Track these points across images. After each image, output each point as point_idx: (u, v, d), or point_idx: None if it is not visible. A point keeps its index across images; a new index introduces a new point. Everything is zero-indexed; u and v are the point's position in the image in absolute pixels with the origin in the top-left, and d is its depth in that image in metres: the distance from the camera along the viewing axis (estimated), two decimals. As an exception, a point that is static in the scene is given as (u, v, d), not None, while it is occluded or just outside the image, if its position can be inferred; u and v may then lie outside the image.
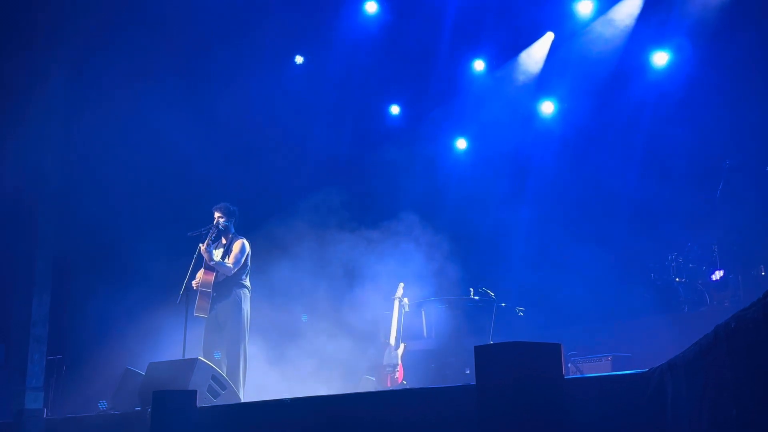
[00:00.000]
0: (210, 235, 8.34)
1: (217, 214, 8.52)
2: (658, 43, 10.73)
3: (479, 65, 12.59)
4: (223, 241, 8.51)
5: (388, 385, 9.15)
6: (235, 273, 8.35)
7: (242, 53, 12.11)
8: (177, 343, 8.14)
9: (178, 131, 11.39)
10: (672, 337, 8.13)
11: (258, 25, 12.12)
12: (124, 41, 11.43)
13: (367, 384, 9.30)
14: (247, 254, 8.50)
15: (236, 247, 8.44)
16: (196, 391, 6.02)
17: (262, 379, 9.10)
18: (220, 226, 8.44)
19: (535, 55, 12.13)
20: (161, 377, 7.16)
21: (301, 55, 13.03)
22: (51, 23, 11.46)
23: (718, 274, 9.16)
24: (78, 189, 11.38)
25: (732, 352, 2.15)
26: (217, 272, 8.31)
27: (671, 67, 10.67)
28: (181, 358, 7.83)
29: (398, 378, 9.22)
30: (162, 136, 11.36)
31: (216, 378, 7.35)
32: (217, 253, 8.37)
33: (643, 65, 10.92)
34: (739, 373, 2.10)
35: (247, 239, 8.59)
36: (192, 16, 11.71)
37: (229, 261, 8.33)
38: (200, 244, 8.26)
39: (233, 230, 8.60)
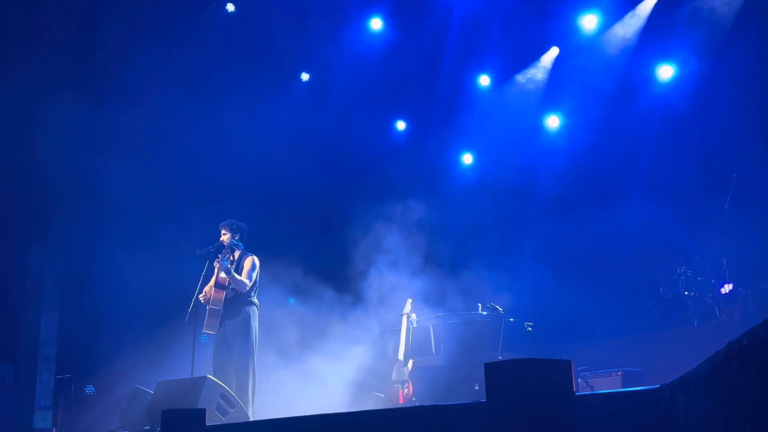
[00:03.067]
0: (224, 253, 8.34)
1: (223, 231, 8.53)
2: (664, 56, 10.73)
3: (484, 80, 12.62)
4: (232, 258, 8.51)
5: (398, 402, 9.11)
6: (245, 291, 8.35)
7: (249, 70, 12.16)
8: (186, 361, 8.13)
9: (187, 148, 11.43)
10: (682, 350, 8.10)
11: (264, 43, 12.18)
12: (134, 54, 11.49)
13: (376, 401, 9.27)
14: (258, 271, 8.51)
15: (247, 263, 8.45)
16: (205, 410, 5.99)
17: (271, 396, 9.08)
18: (231, 244, 8.44)
19: (541, 69, 12.16)
20: (170, 396, 7.16)
21: (307, 72, 13.08)
22: (62, 29, 11.53)
23: (727, 287, 9.12)
24: (87, 208, 11.42)
25: (745, 368, 2.14)
26: (227, 290, 8.30)
27: (677, 80, 10.66)
28: (189, 376, 7.82)
29: (408, 394, 9.18)
30: (171, 153, 11.40)
31: (225, 396, 7.34)
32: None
33: (649, 79, 10.93)
34: (753, 389, 2.09)
35: (257, 256, 8.60)
36: (200, 33, 11.80)
37: (243, 278, 8.33)
38: (214, 262, 8.27)
39: (242, 247, 8.60)
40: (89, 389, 9.20)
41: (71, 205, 11.69)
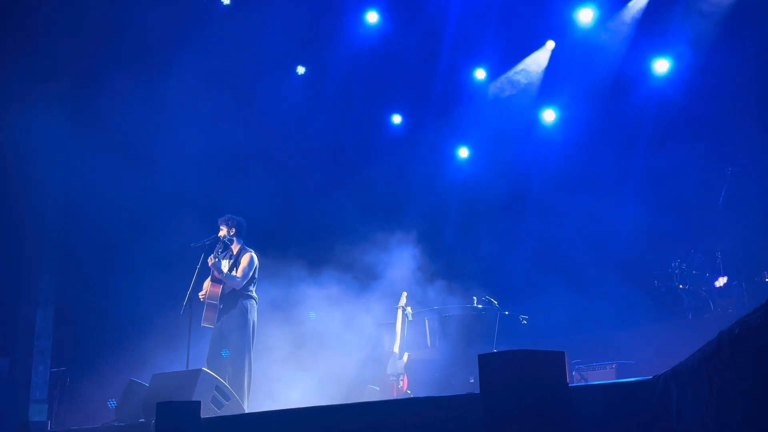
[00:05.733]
0: (217, 249, 8.34)
1: (222, 227, 8.53)
2: (659, 50, 10.74)
3: (480, 74, 12.60)
4: (233, 251, 8.52)
5: (393, 395, 9.13)
6: (239, 288, 8.36)
7: (244, 64, 12.13)
8: (181, 354, 8.14)
9: (182, 141, 11.41)
10: (676, 344, 8.09)
11: (259, 36, 12.15)
12: (129, 51, 11.47)
13: (372, 394, 9.28)
14: (255, 267, 8.51)
15: (245, 259, 8.44)
16: (200, 402, 6.01)
17: (267, 389, 9.09)
18: (225, 239, 8.44)
19: (537, 63, 12.15)
20: (165, 388, 7.16)
21: (303, 65, 13.05)
22: (55, 37, 11.49)
23: (721, 281, 9.15)
24: (82, 201, 11.40)
25: (736, 357, 2.15)
26: (224, 285, 8.31)
27: (672, 74, 10.67)
28: (185, 369, 7.83)
29: (403, 387, 9.20)
30: (165, 146, 11.38)
31: (220, 389, 7.35)
32: (225, 264, 8.38)
33: (644, 73, 10.94)
34: (744, 378, 2.10)
35: (255, 251, 8.60)
36: (195, 27, 11.76)
37: (238, 274, 8.33)
38: (209, 258, 8.26)
39: (241, 242, 8.61)
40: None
41: (67, 198, 11.67)
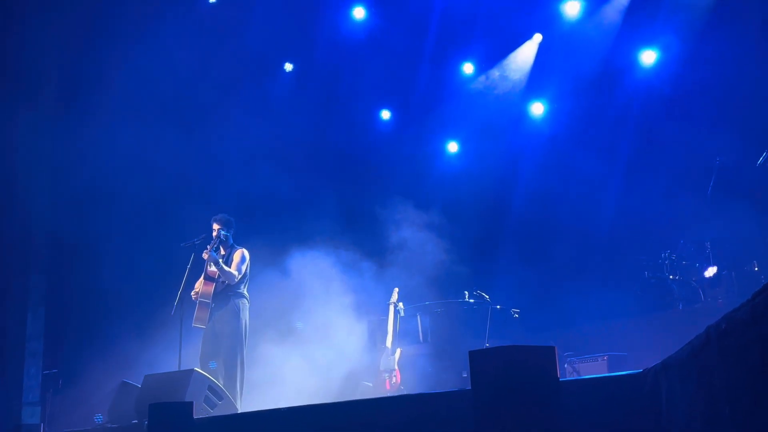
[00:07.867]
0: (212, 244, 8.33)
1: (215, 225, 8.52)
2: (646, 41, 10.77)
3: (468, 68, 12.60)
4: (222, 251, 8.51)
5: (387, 390, 9.14)
6: (234, 283, 8.35)
7: (231, 62, 12.09)
8: (173, 354, 8.12)
9: (172, 140, 11.37)
10: (667, 334, 8.13)
11: (246, 34, 12.11)
12: (119, 45, 11.42)
13: (365, 390, 9.29)
14: (247, 263, 8.51)
15: (237, 256, 8.45)
16: (192, 403, 6.00)
17: (260, 388, 9.08)
18: (221, 236, 8.43)
19: (524, 56, 12.16)
20: (158, 389, 7.15)
21: (290, 62, 13.03)
22: (41, 39, 11.43)
23: (711, 271, 9.17)
24: (72, 201, 11.36)
25: (723, 352, 2.16)
26: (216, 283, 8.29)
27: (659, 65, 10.70)
28: (177, 369, 7.81)
29: (395, 383, 9.21)
30: (156, 145, 11.33)
31: (213, 389, 7.34)
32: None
33: (632, 64, 10.96)
34: (730, 372, 2.12)
35: (246, 249, 8.60)
36: (180, 25, 11.71)
37: (232, 270, 8.32)
38: (204, 252, 8.25)
39: (232, 240, 8.61)
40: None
41: (56, 198, 11.62)
